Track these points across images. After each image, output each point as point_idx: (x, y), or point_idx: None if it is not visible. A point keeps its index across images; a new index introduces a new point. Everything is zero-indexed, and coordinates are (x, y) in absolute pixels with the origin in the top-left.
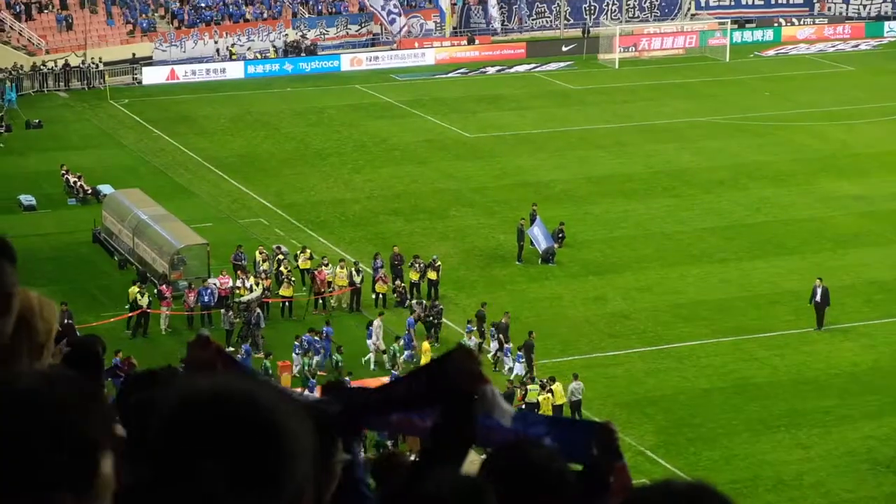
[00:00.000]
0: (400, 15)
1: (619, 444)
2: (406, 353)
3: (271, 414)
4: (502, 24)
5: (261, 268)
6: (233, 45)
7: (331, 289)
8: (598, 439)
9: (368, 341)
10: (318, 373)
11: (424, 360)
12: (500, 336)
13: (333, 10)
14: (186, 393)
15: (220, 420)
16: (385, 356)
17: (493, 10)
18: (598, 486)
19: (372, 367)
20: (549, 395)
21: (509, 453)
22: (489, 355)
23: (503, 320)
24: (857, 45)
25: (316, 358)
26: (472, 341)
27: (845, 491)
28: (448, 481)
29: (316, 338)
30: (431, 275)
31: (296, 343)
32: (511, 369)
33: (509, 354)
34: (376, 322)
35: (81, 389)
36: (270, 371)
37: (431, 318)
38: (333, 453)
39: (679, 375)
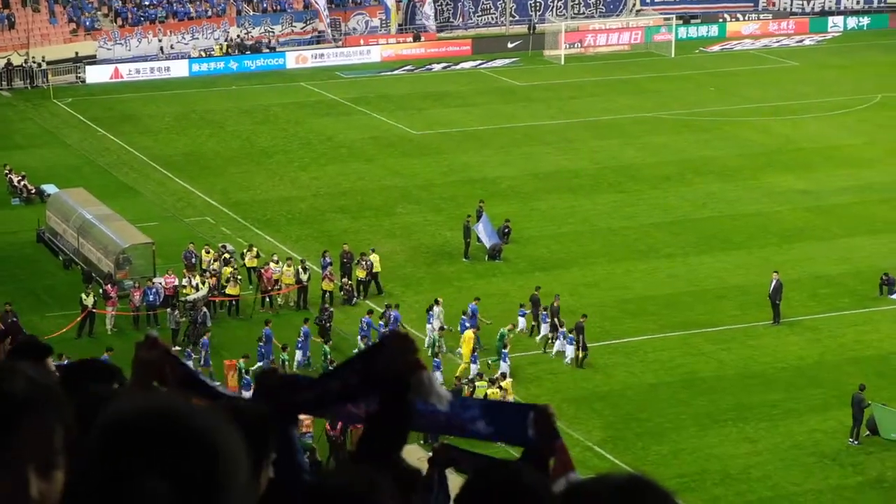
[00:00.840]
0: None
1: (556, 425)
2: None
3: (210, 432)
4: (441, 22)
5: (211, 266)
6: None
7: (278, 287)
8: (535, 421)
9: (428, 325)
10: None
11: (465, 347)
12: (555, 319)
13: (278, 7)
14: (124, 413)
15: (159, 440)
16: (442, 339)
17: (428, 9)
18: (537, 467)
19: (443, 349)
20: (499, 390)
21: (494, 472)
22: (538, 338)
23: (555, 303)
24: (801, 41)
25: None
26: (522, 325)
27: (792, 484)
28: (346, 476)
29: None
30: (360, 273)
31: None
32: (562, 352)
33: (562, 337)
34: (436, 308)
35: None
36: (213, 376)
37: (324, 321)
38: (265, 453)
39: (626, 370)
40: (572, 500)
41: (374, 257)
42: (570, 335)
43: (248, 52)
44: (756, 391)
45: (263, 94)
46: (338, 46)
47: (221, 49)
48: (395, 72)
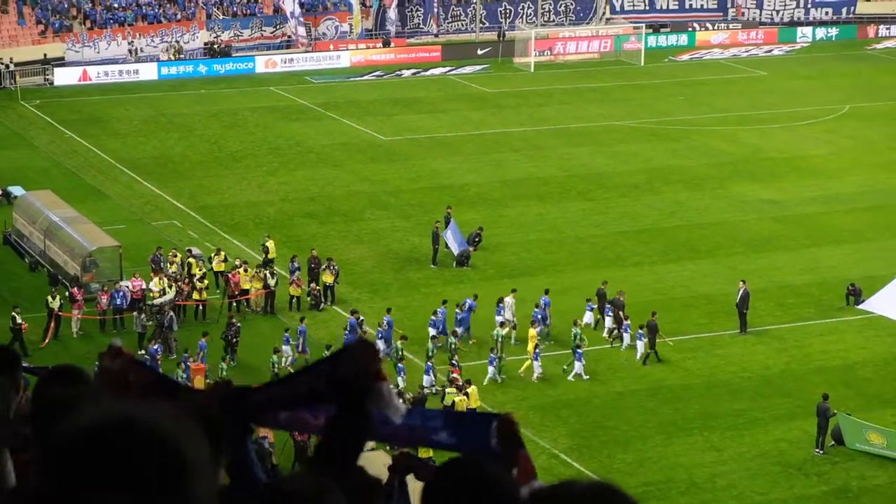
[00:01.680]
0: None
1: (520, 434)
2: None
3: (173, 440)
4: (411, 29)
5: (169, 270)
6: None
7: (246, 292)
8: (499, 430)
9: (498, 317)
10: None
11: (531, 345)
12: (620, 313)
13: (248, 11)
14: (82, 424)
15: (119, 452)
16: (514, 331)
17: (392, 14)
18: None
19: (512, 341)
20: (465, 397)
21: (461, 467)
22: (604, 333)
23: (619, 297)
24: (770, 51)
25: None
26: (589, 319)
27: (757, 493)
28: (297, 482)
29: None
30: (327, 278)
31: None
32: (632, 346)
33: (628, 331)
34: (508, 299)
35: None
36: (185, 377)
37: (230, 336)
38: (219, 460)
39: (593, 378)
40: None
41: (270, 244)
42: (639, 331)
43: (218, 56)
44: (722, 400)
45: (232, 98)
46: (307, 51)
47: (177, 53)
48: (365, 77)
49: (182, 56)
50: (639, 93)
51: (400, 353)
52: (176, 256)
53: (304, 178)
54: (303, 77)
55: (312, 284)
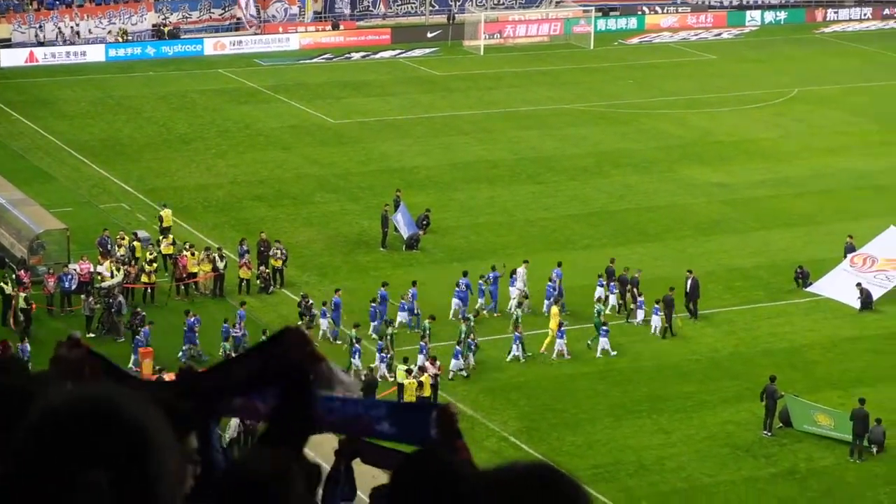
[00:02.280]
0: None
1: (458, 425)
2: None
3: (143, 422)
4: (360, 11)
5: (117, 253)
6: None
7: (194, 275)
8: (438, 421)
9: (512, 288)
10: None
11: (553, 322)
12: (634, 290)
13: None
14: (57, 406)
15: (95, 431)
16: (527, 300)
17: None
18: None
19: (523, 310)
20: (416, 382)
21: (423, 458)
22: (607, 310)
23: (635, 275)
24: (719, 34)
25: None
26: (600, 294)
27: (705, 475)
28: (262, 459)
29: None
30: (276, 261)
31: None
32: (646, 321)
33: (643, 307)
34: (521, 270)
35: None
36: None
37: (135, 324)
38: (186, 444)
39: (543, 361)
40: (480, 487)
41: (165, 213)
42: (655, 306)
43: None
44: (671, 383)
45: (181, 81)
46: (256, 34)
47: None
48: (314, 60)
49: (129, 38)
50: (588, 76)
51: (427, 331)
52: (123, 239)
53: (253, 160)
54: (251, 60)
55: (262, 267)
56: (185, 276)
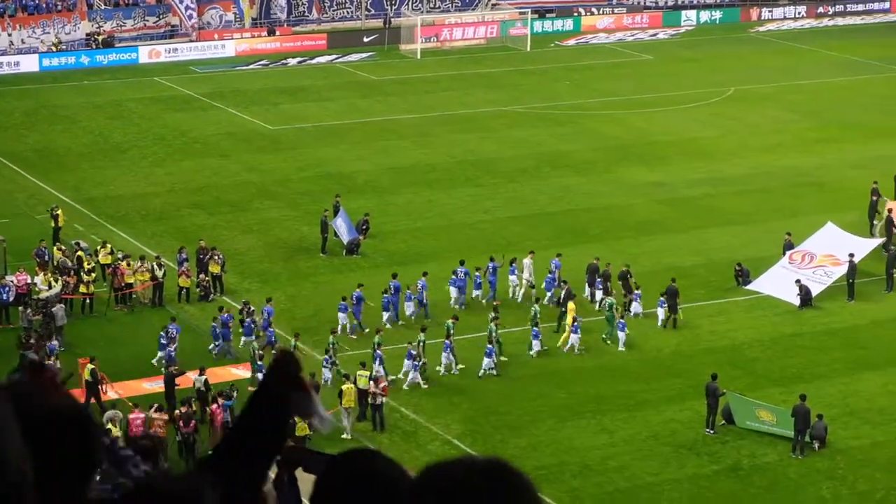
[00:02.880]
0: (195, 10)
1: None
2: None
3: None
4: (296, 17)
5: (58, 262)
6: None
7: (131, 285)
8: (275, 367)
9: (512, 276)
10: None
11: (568, 317)
12: (631, 283)
13: (130, 1)
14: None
15: None
16: (534, 290)
17: (283, 1)
18: None
19: (520, 299)
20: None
21: (352, 460)
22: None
23: (624, 270)
24: (655, 34)
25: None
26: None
27: (649, 474)
28: (171, 481)
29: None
30: (214, 268)
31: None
32: (646, 315)
33: (638, 300)
34: (526, 261)
35: None
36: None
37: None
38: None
39: (553, 354)
40: (430, 481)
41: (59, 212)
42: (660, 298)
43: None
44: (613, 383)
45: (116, 89)
46: (192, 41)
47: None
48: (250, 66)
49: (63, 47)
50: (525, 78)
51: (450, 330)
52: (61, 250)
53: (191, 168)
54: (187, 67)
55: (201, 275)
56: (123, 285)
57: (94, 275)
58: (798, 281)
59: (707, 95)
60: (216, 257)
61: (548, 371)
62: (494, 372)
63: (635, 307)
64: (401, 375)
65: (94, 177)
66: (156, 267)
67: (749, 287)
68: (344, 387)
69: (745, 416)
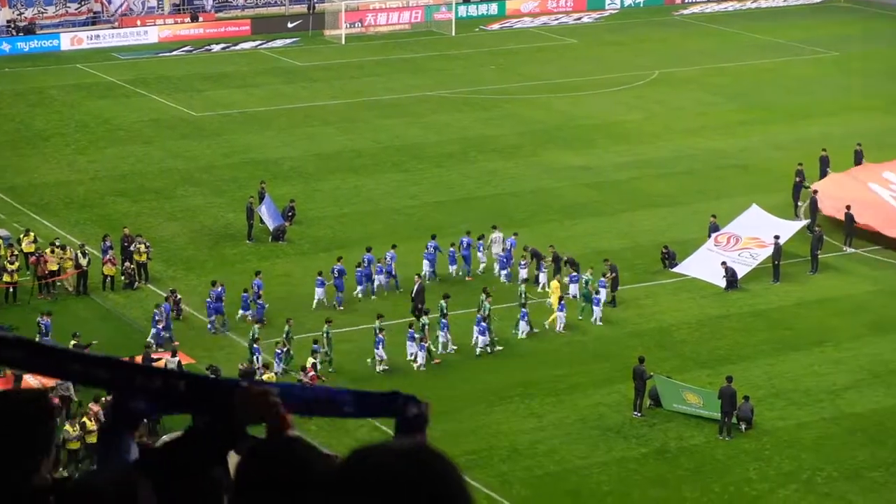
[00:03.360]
0: None
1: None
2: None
3: None
4: (219, 2)
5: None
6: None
7: (55, 273)
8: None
9: (480, 254)
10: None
11: (554, 297)
12: (570, 261)
13: None
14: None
15: None
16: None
17: None
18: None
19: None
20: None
21: (271, 446)
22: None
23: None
24: (579, 18)
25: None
26: (525, 275)
27: (578, 457)
28: (106, 477)
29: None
30: (139, 256)
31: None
32: (577, 296)
33: (575, 281)
34: (496, 234)
35: None
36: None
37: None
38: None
39: (413, 349)
40: (356, 465)
41: None
42: (601, 279)
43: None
44: (542, 367)
45: (38, 77)
46: (114, 27)
47: None
48: (174, 53)
49: None
50: (450, 63)
51: (444, 309)
52: None
53: (114, 155)
54: (110, 53)
55: (126, 263)
56: (46, 274)
57: (17, 264)
58: (724, 263)
59: (631, 79)
60: (141, 245)
61: (475, 356)
62: (489, 350)
63: (573, 289)
64: (409, 359)
65: (17, 165)
66: (80, 255)
67: (675, 270)
68: (266, 376)
69: (673, 398)
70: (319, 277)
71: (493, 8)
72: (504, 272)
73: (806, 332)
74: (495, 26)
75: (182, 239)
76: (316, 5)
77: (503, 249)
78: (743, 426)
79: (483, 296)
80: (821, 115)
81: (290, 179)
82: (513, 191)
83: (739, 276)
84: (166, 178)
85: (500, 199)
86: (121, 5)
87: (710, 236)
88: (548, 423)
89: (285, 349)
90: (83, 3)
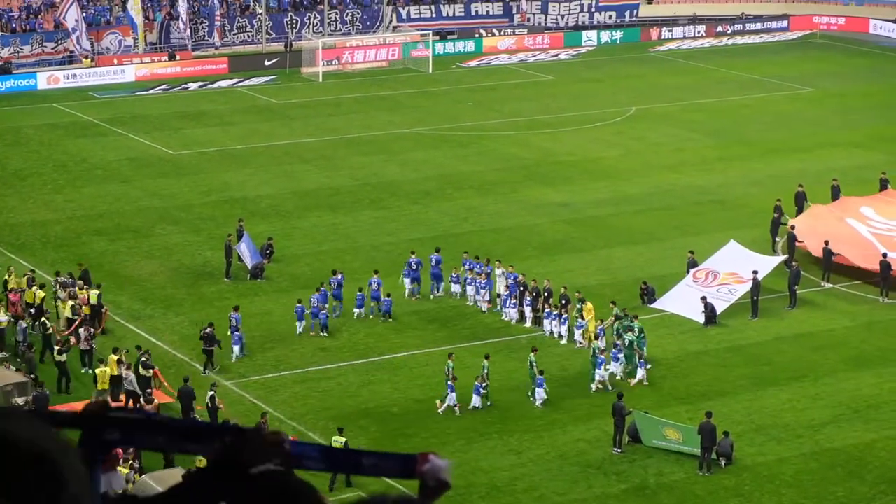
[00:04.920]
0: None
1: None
2: None
3: (48, 452)
4: (196, 41)
5: None
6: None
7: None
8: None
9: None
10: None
11: (590, 323)
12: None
13: (28, 27)
14: None
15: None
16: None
17: (182, 24)
18: None
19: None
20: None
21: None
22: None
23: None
24: (556, 55)
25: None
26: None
27: (557, 494)
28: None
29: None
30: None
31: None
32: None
33: (552, 317)
34: (498, 270)
35: None
36: None
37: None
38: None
39: (392, 387)
40: None
41: None
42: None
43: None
44: (520, 403)
45: (14, 116)
46: (91, 66)
47: None
48: (151, 91)
49: None
50: (428, 100)
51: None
52: None
53: (92, 194)
54: (87, 93)
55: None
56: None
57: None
58: (703, 298)
59: (609, 115)
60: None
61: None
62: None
63: (547, 324)
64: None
65: None
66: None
67: (654, 305)
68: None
69: (652, 434)
70: (299, 305)
71: (470, 45)
72: (511, 310)
73: (785, 368)
74: (472, 63)
75: (160, 277)
76: (293, 43)
77: (506, 286)
78: (723, 462)
79: (484, 360)
80: (798, 151)
81: (268, 217)
82: (491, 227)
83: (718, 311)
84: (144, 217)
85: (478, 235)
86: (79, 44)
87: (688, 272)
88: (527, 459)
89: None
90: (60, 42)
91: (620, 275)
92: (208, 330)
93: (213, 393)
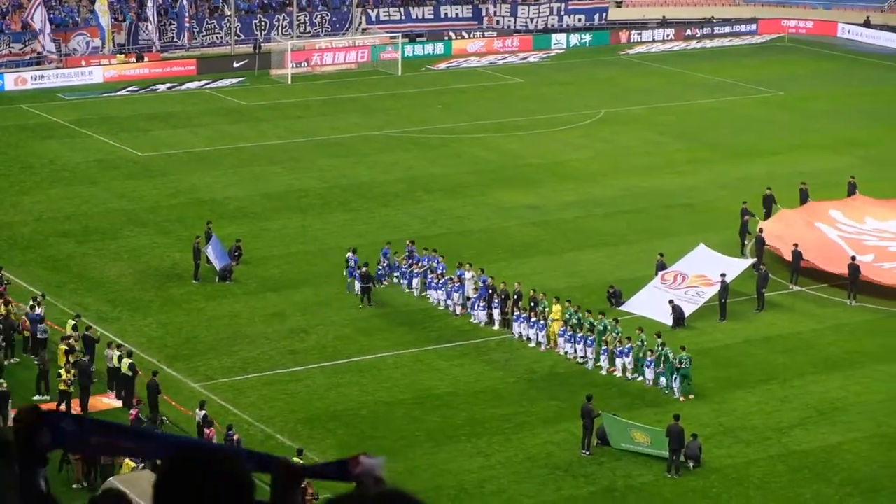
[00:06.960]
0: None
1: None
2: None
3: None
4: (165, 42)
5: None
6: None
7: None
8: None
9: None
10: None
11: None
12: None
13: None
14: None
15: None
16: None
17: (151, 27)
18: None
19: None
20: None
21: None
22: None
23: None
24: (525, 58)
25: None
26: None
27: (525, 496)
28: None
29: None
30: None
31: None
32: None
33: (522, 321)
34: (468, 274)
35: None
36: None
37: None
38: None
39: (360, 389)
40: None
41: None
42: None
43: None
44: (489, 405)
45: None
46: (59, 68)
47: None
48: (119, 93)
49: None
50: (397, 102)
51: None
52: None
53: (59, 196)
54: (54, 94)
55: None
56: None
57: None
58: (671, 301)
59: (578, 118)
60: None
61: (422, 395)
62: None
63: (517, 328)
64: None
65: None
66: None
67: (622, 308)
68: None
69: (621, 437)
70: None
71: (440, 48)
72: (481, 312)
73: (753, 370)
74: (442, 66)
75: (128, 279)
76: (262, 45)
77: (475, 288)
78: (691, 464)
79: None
80: (766, 155)
81: (236, 219)
82: (460, 230)
83: (686, 314)
84: (112, 219)
85: (447, 238)
86: (44, 45)
87: (657, 274)
88: (496, 461)
89: None
90: (27, 43)
91: (588, 277)
92: (364, 269)
93: (204, 412)
